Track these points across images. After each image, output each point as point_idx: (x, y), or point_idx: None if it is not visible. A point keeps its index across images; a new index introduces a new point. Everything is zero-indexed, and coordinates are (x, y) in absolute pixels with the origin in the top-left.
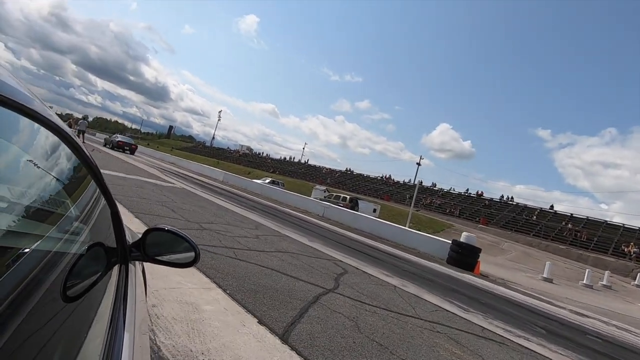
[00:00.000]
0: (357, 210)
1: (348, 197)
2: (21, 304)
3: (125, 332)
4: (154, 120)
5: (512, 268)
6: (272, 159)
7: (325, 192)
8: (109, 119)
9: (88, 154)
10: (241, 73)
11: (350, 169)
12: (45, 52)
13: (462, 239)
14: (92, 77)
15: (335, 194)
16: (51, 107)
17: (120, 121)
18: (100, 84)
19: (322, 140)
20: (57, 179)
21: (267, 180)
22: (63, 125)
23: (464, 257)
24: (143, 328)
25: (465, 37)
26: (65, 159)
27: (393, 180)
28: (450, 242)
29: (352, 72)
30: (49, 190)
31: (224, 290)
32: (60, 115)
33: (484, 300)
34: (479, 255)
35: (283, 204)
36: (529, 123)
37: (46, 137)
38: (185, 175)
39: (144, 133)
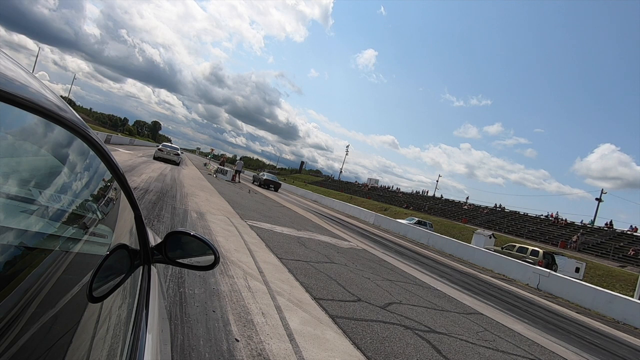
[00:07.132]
0: (555, 270)
1: (540, 251)
2: (50, 303)
3: (147, 333)
4: (285, 156)
5: None
6: (403, 193)
7: (490, 238)
8: (251, 156)
9: (114, 159)
10: (360, 107)
11: (500, 205)
12: (208, 106)
13: None
14: (239, 123)
15: (517, 244)
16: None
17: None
18: (245, 127)
19: (446, 170)
20: (85, 183)
21: (414, 221)
22: (90, 132)
23: None
24: (164, 328)
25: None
26: (92, 164)
27: (564, 220)
28: None
29: (479, 95)
30: (77, 193)
31: None
32: (216, 156)
33: None
34: None
35: (468, 264)
36: None
37: (75, 143)
38: (340, 219)
39: (279, 168)
